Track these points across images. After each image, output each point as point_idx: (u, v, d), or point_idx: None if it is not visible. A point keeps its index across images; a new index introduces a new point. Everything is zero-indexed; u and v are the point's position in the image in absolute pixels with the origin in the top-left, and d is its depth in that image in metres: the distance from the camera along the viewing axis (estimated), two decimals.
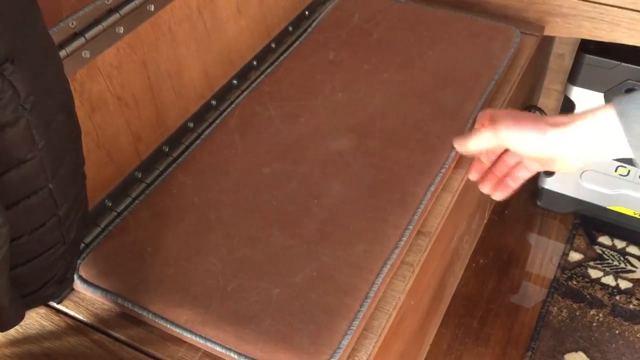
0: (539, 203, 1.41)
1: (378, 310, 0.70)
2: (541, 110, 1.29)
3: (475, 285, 1.28)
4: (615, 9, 1.00)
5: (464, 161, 0.85)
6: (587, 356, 1.17)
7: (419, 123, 0.88)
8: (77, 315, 0.71)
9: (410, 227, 0.75)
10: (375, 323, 0.69)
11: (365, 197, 0.78)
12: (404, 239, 0.74)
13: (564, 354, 1.17)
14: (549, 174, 1.35)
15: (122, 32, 0.75)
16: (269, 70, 0.98)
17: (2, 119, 0.44)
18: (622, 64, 1.14)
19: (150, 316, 0.69)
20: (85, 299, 0.72)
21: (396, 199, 0.78)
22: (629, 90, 1.15)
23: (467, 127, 0.88)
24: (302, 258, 0.72)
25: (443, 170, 0.82)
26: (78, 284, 0.72)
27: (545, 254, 1.36)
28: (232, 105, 0.92)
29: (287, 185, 0.80)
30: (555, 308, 1.24)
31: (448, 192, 0.83)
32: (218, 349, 0.66)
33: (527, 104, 1.30)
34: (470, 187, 0.92)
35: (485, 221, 1.28)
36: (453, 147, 0.84)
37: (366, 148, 0.85)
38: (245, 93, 0.94)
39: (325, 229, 0.75)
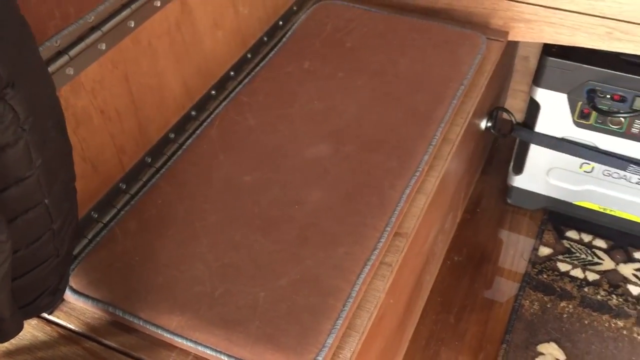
0: (509, 201, 1.46)
1: (360, 309, 0.74)
2: (508, 112, 1.34)
3: (451, 282, 1.32)
4: (574, 14, 1.05)
5: (438, 164, 0.89)
6: (559, 346, 1.22)
7: (393, 128, 0.91)
8: (68, 325, 0.73)
9: (388, 228, 0.79)
10: (358, 322, 0.73)
11: (344, 201, 0.82)
12: (383, 240, 0.78)
13: (537, 345, 1.22)
14: (518, 172, 1.40)
15: (104, 48, 0.78)
16: (246, 81, 1.01)
17: (3, 141, 0.46)
18: (584, 65, 1.19)
19: (141, 323, 0.71)
20: (76, 309, 0.74)
21: (374, 202, 0.81)
22: (591, 91, 1.20)
23: (438, 131, 0.92)
24: (286, 262, 0.75)
25: (417, 173, 0.86)
26: (68, 294, 0.74)
27: (517, 250, 1.41)
28: (212, 116, 0.95)
29: (268, 192, 0.83)
30: (527, 301, 1.29)
31: (423, 194, 0.86)
32: (209, 352, 0.69)
33: (494, 106, 1.35)
34: (444, 188, 0.96)
35: (458, 220, 1.32)
36: (426, 151, 0.88)
37: (343, 154, 0.88)
38: (224, 103, 0.97)
39: (307, 233, 0.78)
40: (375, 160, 0.87)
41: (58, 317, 0.74)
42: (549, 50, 1.23)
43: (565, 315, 1.27)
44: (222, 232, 0.79)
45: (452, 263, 1.35)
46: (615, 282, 1.32)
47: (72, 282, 0.74)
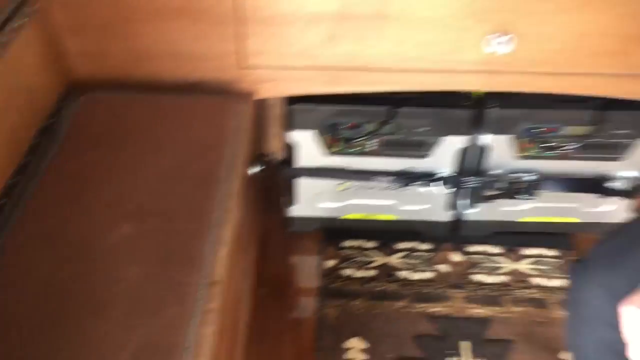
0: (291, 229, 1.68)
1: (198, 356, 0.85)
2: (270, 155, 1.56)
3: (263, 313, 1.49)
4: (303, 70, 1.29)
5: (229, 217, 1.05)
6: (362, 338, 1.45)
7: (184, 195, 1.05)
8: None
9: (204, 281, 0.92)
10: None
11: (160, 268, 0.93)
12: (202, 292, 0.91)
13: (343, 342, 1.44)
14: (291, 203, 1.62)
15: None
16: (32, 185, 1.06)
17: None
18: (320, 106, 1.45)
19: None
20: None
21: (186, 262, 0.94)
22: (332, 125, 1.47)
23: (221, 189, 1.07)
24: (123, 336, 0.84)
25: (214, 229, 1.00)
26: None
27: (308, 269, 1.63)
28: (7, 227, 0.99)
29: (88, 280, 0.91)
30: (328, 309, 1.51)
31: (223, 245, 1.00)
32: None
33: (259, 152, 1.56)
34: (239, 235, 1.12)
35: (256, 257, 1.49)
36: (216, 208, 1.02)
37: (147, 229, 0.99)
38: (15, 212, 1.01)
39: (135, 305, 0.88)
40: (176, 228, 0.99)
41: None
42: (291, 98, 1.46)
43: (359, 312, 1.51)
44: (51, 329, 0.84)
45: (260, 295, 1.51)
46: (388, 272, 1.60)
47: None
